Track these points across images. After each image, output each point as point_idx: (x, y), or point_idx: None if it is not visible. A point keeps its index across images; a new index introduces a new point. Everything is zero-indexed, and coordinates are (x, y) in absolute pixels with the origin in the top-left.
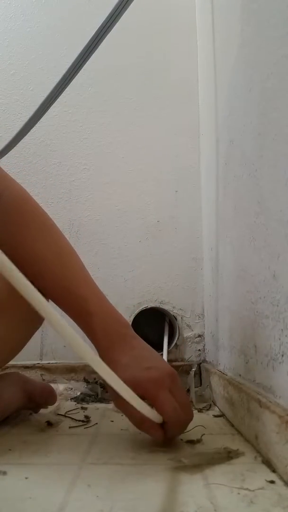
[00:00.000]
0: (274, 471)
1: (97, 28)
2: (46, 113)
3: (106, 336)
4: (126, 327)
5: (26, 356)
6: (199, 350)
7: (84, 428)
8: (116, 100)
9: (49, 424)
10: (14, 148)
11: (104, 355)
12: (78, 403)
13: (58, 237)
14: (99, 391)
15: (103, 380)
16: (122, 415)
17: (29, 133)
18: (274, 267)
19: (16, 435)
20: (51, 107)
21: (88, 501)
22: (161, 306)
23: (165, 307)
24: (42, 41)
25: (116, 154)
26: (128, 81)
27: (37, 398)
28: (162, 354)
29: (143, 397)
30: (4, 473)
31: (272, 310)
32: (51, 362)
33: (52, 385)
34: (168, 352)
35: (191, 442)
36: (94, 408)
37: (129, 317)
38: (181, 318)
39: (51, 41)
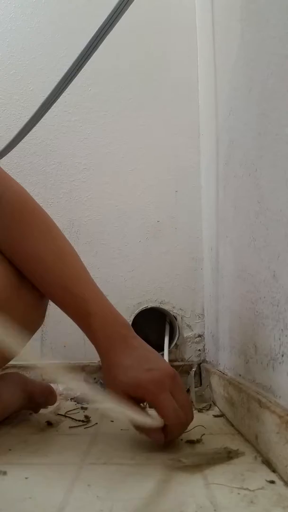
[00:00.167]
0: (274, 471)
1: (97, 28)
2: (46, 113)
3: (106, 336)
4: (126, 327)
5: (26, 356)
6: (199, 350)
7: (84, 428)
8: (116, 100)
9: (49, 424)
10: (14, 148)
11: (105, 357)
12: (78, 403)
13: (58, 237)
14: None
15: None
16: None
17: (29, 133)
18: (274, 267)
19: (16, 435)
20: (51, 107)
21: (88, 501)
22: (161, 306)
23: (165, 307)
24: (42, 41)
25: (116, 154)
26: (128, 81)
27: (37, 398)
28: (162, 354)
29: (143, 399)
30: (4, 473)
31: (272, 310)
32: (51, 362)
33: (52, 385)
34: (169, 352)
35: (191, 442)
36: (94, 408)
37: (129, 317)
38: (181, 318)
39: (51, 41)
